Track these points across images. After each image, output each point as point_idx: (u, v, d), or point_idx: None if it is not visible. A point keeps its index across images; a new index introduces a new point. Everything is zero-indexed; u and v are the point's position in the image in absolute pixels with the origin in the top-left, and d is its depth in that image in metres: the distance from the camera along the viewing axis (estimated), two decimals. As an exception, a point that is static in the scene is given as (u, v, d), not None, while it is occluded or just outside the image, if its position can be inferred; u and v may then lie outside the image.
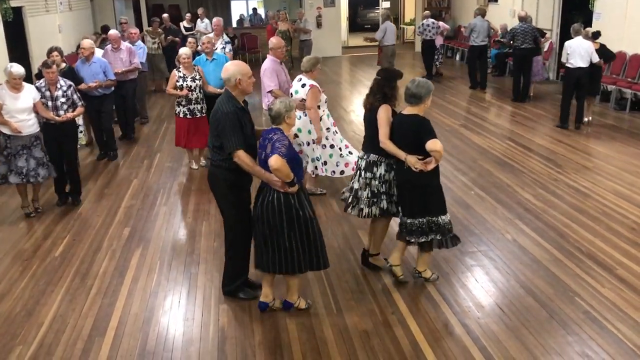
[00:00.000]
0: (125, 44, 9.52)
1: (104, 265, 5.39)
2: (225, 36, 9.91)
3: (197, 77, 7.64)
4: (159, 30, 13.47)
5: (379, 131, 4.60)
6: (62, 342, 4.24)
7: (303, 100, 6.30)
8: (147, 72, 10.83)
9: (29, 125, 6.34)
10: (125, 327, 4.40)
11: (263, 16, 21.54)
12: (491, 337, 4.13)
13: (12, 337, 4.32)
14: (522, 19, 11.49)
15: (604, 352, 3.93)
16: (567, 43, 9.40)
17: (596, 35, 9.57)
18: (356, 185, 4.87)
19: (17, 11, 10.90)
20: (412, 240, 4.65)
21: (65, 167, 6.82)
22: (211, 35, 9.35)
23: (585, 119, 9.68)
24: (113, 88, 8.49)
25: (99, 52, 9.73)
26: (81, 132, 8.30)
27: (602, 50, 9.52)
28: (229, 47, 9.77)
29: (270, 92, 6.73)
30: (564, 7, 13.16)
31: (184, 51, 7.70)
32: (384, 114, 4.63)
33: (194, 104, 7.66)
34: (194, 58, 8.92)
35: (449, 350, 4.00)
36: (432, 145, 4.24)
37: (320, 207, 6.54)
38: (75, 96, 6.71)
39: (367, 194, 4.79)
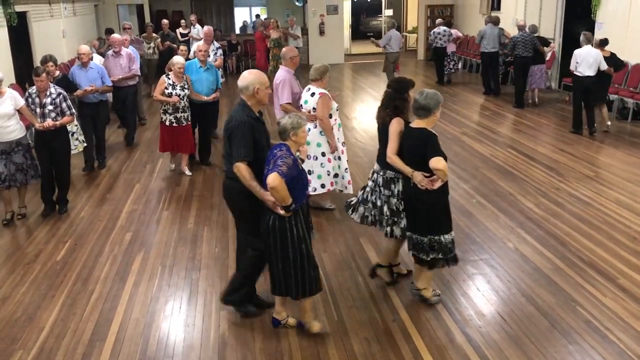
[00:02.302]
0: (125, 50, 9.44)
1: (105, 270, 5.40)
2: (215, 43, 9.90)
3: (186, 86, 7.66)
4: (154, 35, 13.56)
5: (388, 145, 4.47)
6: (63, 346, 4.24)
7: (314, 109, 6.07)
8: (140, 76, 10.81)
9: (8, 131, 6.24)
10: (126, 332, 4.40)
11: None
12: (492, 345, 4.12)
13: (12, 342, 4.32)
14: (520, 28, 11.84)
15: (605, 361, 3.92)
16: (576, 51, 9.46)
17: (604, 42, 9.56)
18: (379, 203, 4.75)
19: (22, 16, 10.96)
20: (414, 254, 4.53)
21: (55, 174, 6.71)
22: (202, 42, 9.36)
23: (608, 123, 9.77)
24: (108, 95, 8.43)
25: (97, 59, 9.49)
26: (77, 139, 8.16)
27: (613, 59, 9.52)
28: (219, 52, 9.77)
29: (280, 105, 6.44)
30: (566, 17, 13.19)
31: (179, 60, 7.68)
32: (394, 128, 4.48)
33: (181, 112, 7.70)
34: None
35: (450, 359, 3.99)
36: (435, 163, 4.07)
37: (322, 214, 6.54)
38: (64, 104, 6.56)
39: (387, 212, 4.70)
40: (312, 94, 6.13)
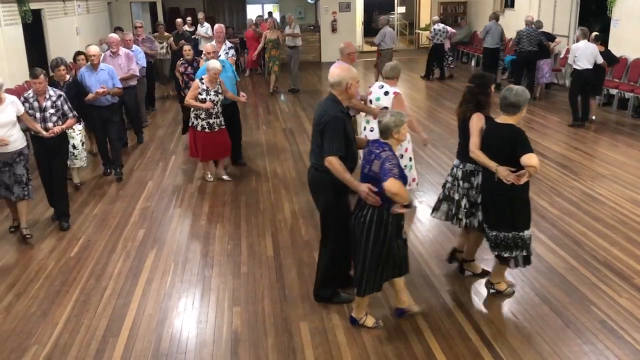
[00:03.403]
0: (123, 50, 9.01)
1: (118, 266, 5.43)
2: (227, 42, 9.30)
3: (220, 90, 7.35)
4: (166, 34, 13.11)
5: (470, 140, 4.49)
6: (77, 342, 4.27)
7: (385, 108, 6.07)
8: (145, 76, 10.29)
9: (11, 141, 5.75)
10: (139, 329, 4.42)
11: (278, 20, 21.56)
12: (506, 345, 4.10)
13: (27, 336, 4.36)
14: (527, 23, 12.08)
15: (620, 362, 3.89)
16: (574, 46, 9.99)
17: (599, 37, 9.98)
18: (456, 196, 4.81)
19: (36, 13, 11.05)
20: (496, 254, 4.50)
21: (53, 180, 6.28)
22: (214, 42, 8.91)
23: (593, 117, 10.22)
24: (118, 98, 8.00)
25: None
26: (77, 155, 7.35)
27: (608, 54, 10.00)
28: (232, 52, 9.24)
29: None
30: (581, 13, 13.07)
31: (216, 65, 7.20)
32: (476, 123, 4.52)
33: (214, 118, 7.38)
34: (190, 65, 8.55)
35: (463, 357, 3.97)
36: (528, 160, 4.09)
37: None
38: (65, 107, 6.18)
39: (465, 204, 4.76)
40: (386, 93, 6.16)
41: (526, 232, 4.39)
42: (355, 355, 4.03)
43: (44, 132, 6.00)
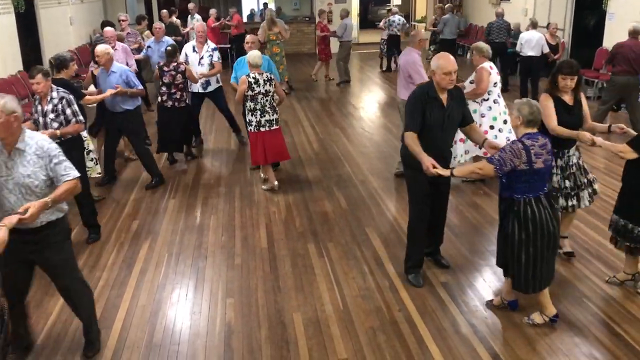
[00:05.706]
0: (120, 44, 8.61)
1: (112, 257, 5.42)
2: (210, 43, 8.52)
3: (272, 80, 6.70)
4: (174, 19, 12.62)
5: (544, 121, 4.67)
6: (70, 332, 4.27)
7: (471, 82, 6.71)
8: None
9: None
10: (133, 319, 4.42)
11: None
12: (498, 336, 4.12)
13: (20, 327, 4.35)
14: (498, 15, 12.78)
15: (610, 354, 3.91)
16: (522, 34, 11.09)
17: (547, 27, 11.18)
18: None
19: (29, 2, 10.96)
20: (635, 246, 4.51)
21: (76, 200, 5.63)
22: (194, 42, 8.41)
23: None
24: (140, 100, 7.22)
25: (120, 48, 8.60)
26: (92, 159, 6.62)
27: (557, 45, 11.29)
28: (216, 54, 8.34)
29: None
30: (577, 7, 13.07)
31: (256, 54, 6.68)
32: (543, 106, 4.68)
33: (273, 113, 6.75)
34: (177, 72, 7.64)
35: (456, 349, 3.99)
36: None
37: (328, 203, 6.54)
38: (68, 110, 5.30)
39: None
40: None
41: None
42: (349, 346, 4.05)
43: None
